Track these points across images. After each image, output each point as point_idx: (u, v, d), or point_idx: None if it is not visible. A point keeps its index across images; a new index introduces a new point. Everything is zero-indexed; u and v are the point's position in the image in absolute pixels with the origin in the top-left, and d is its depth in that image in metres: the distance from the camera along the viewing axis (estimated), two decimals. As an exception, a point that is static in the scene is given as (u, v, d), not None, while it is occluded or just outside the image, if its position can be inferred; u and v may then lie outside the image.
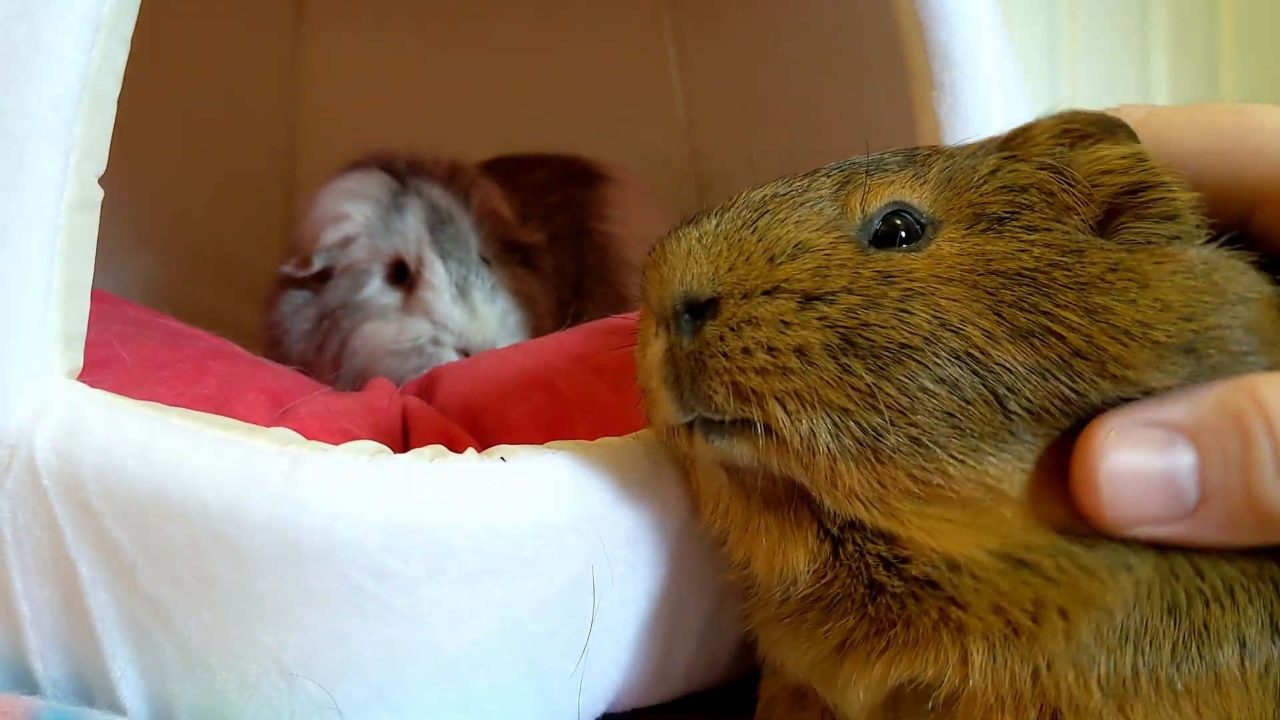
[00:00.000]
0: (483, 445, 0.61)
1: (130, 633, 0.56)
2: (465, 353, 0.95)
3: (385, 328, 0.98)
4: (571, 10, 1.40)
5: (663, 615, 0.60)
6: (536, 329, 1.02)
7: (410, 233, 0.99)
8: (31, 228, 0.55)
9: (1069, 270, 0.48)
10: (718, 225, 0.52)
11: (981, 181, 0.52)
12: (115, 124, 0.59)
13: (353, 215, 1.00)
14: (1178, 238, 0.50)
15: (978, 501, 0.48)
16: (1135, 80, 1.94)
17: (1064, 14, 1.89)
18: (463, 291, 0.97)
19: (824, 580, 0.52)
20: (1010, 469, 0.47)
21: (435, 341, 0.96)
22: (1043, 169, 0.51)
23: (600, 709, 0.62)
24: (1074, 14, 1.89)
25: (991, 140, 0.55)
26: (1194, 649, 0.47)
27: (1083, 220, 0.50)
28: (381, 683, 0.56)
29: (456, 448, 0.58)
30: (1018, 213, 0.50)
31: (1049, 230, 0.50)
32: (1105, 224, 0.50)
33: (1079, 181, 0.50)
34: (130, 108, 0.61)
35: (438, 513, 0.54)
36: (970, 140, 0.58)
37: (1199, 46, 1.95)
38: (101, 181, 0.59)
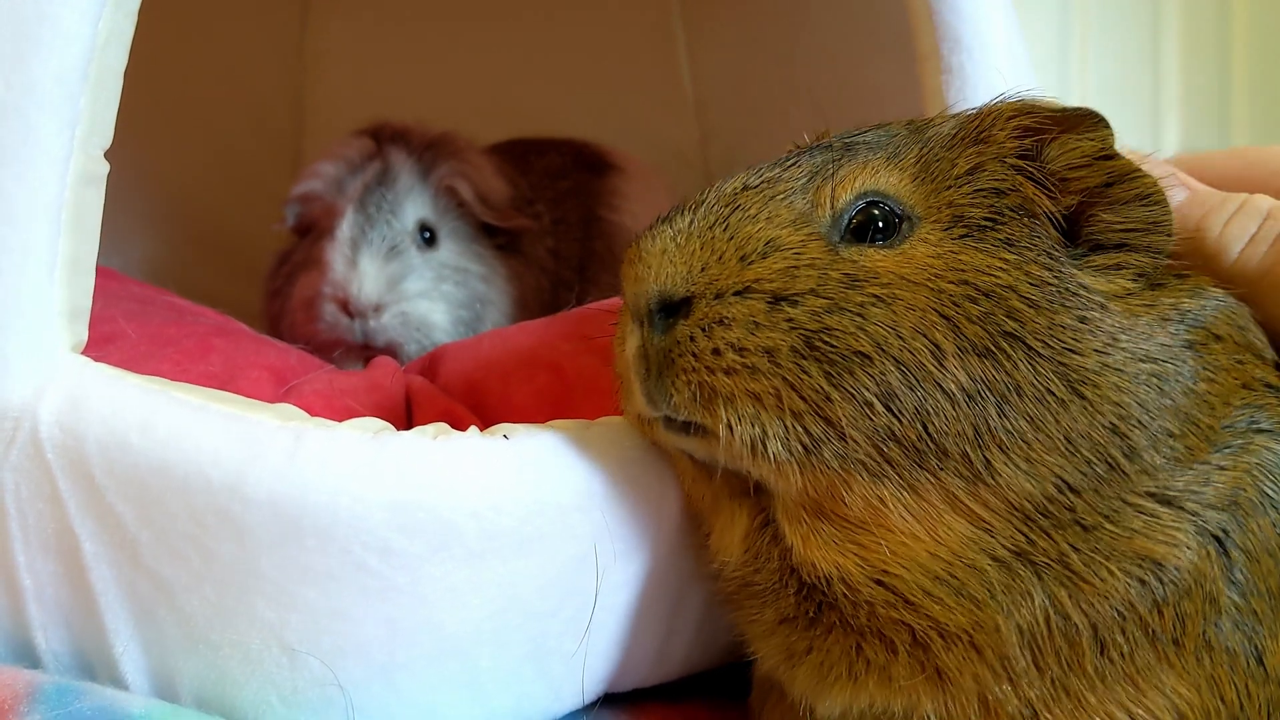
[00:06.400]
0: (485, 425, 0.61)
1: (133, 608, 0.56)
2: (343, 305, 0.94)
3: (308, 278, 0.98)
4: (580, -5, 1.40)
5: (664, 594, 0.60)
6: (509, 311, 1.02)
7: (352, 192, 0.98)
8: (36, 201, 0.55)
9: (1043, 300, 0.48)
10: (691, 223, 0.52)
11: (961, 181, 0.52)
12: (123, 107, 0.59)
13: (321, 173, 1.00)
14: (1155, 224, 0.50)
15: (862, 522, 0.48)
16: (1147, 69, 1.93)
17: (1076, 3, 1.88)
18: (355, 246, 0.95)
19: (753, 568, 0.53)
20: (903, 497, 0.47)
21: (320, 294, 0.95)
22: (1017, 171, 0.51)
23: (601, 688, 0.62)
24: (1086, 3, 1.88)
25: (959, 123, 0.54)
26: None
27: (1057, 215, 0.50)
28: (383, 660, 0.56)
29: (459, 426, 0.58)
30: (997, 222, 0.50)
31: (1029, 248, 0.49)
32: (1080, 213, 0.50)
33: (1052, 181, 0.50)
34: (138, 90, 0.61)
35: (441, 490, 0.54)
36: (941, 116, 0.57)
37: (1210, 36, 1.94)
38: (109, 162, 0.58)
